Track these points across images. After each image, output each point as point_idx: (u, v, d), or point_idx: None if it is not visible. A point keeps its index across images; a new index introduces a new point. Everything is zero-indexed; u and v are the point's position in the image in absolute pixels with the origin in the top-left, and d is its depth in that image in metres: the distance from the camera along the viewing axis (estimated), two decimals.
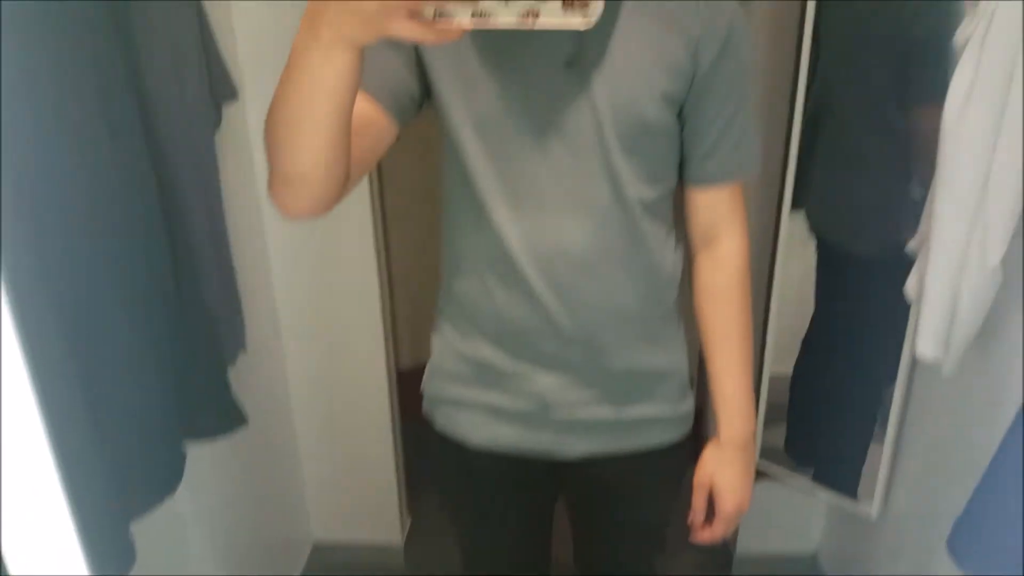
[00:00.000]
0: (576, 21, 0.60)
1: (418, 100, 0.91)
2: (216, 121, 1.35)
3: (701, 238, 1.01)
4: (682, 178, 0.99)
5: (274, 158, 0.76)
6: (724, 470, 1.03)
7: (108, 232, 1.04)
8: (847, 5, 1.44)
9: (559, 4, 0.59)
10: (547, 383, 0.98)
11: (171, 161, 1.20)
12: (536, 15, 0.59)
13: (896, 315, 1.34)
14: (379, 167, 1.62)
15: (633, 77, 0.87)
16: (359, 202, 1.64)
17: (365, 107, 0.84)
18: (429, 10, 0.60)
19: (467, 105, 0.89)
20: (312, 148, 0.73)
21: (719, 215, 0.99)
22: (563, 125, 0.88)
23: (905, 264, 1.24)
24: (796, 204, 1.51)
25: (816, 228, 1.51)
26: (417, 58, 0.89)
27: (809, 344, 1.55)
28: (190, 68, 1.27)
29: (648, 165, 0.92)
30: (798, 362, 1.58)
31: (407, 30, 0.61)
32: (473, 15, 0.60)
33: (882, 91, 1.41)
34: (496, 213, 0.92)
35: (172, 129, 1.21)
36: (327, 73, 0.67)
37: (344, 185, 0.79)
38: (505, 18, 0.60)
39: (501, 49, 0.87)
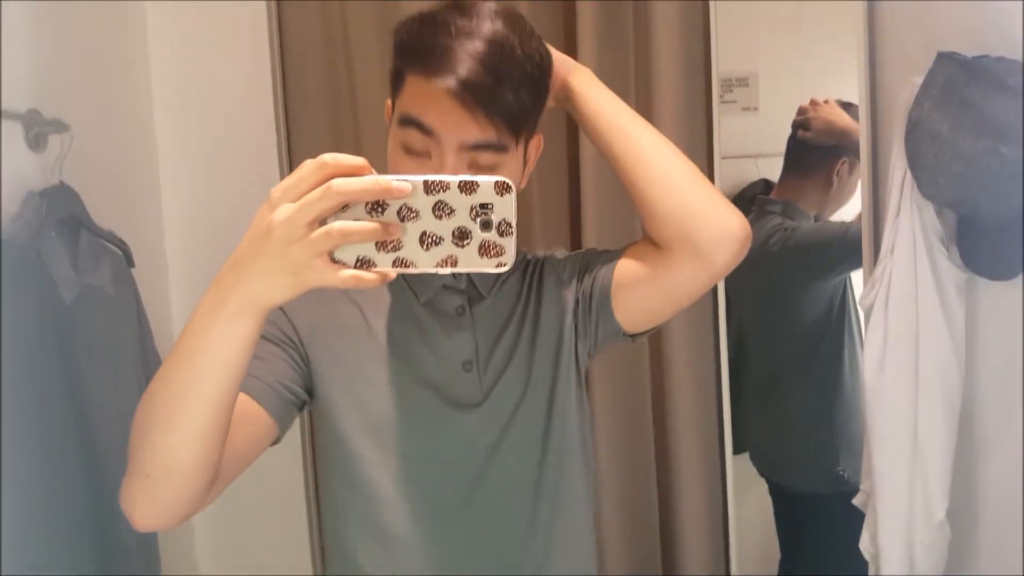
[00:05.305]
0: (492, 265, 0.63)
1: (301, 404, 0.89)
2: None
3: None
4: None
5: (139, 450, 0.69)
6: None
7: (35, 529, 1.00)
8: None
9: (475, 251, 0.62)
10: None
11: (100, 452, 1.16)
12: (454, 262, 0.62)
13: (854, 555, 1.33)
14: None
15: (525, 374, 0.91)
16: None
17: (246, 406, 0.81)
18: (351, 257, 0.61)
19: (360, 408, 0.88)
20: (188, 434, 0.67)
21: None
22: (464, 431, 0.89)
23: (847, 498, 1.25)
24: (740, 449, 1.55)
25: (760, 469, 1.54)
26: (304, 362, 0.89)
27: None
28: (125, 362, 1.27)
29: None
30: None
31: (329, 277, 0.59)
32: (395, 263, 0.62)
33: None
34: (398, 532, 0.88)
35: (104, 420, 1.18)
36: (223, 346, 0.64)
37: (210, 489, 0.73)
38: (425, 265, 0.62)
39: (401, 353, 0.89)
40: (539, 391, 0.91)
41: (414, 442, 0.88)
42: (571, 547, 0.94)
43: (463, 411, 0.89)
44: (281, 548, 1.59)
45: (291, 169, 1.48)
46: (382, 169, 0.62)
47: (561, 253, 1.00)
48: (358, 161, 0.59)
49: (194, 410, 0.66)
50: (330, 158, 0.58)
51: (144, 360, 1.32)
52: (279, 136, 1.48)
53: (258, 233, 0.59)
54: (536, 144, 0.91)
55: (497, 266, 0.63)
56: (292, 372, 0.87)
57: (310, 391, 0.89)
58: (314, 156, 1.60)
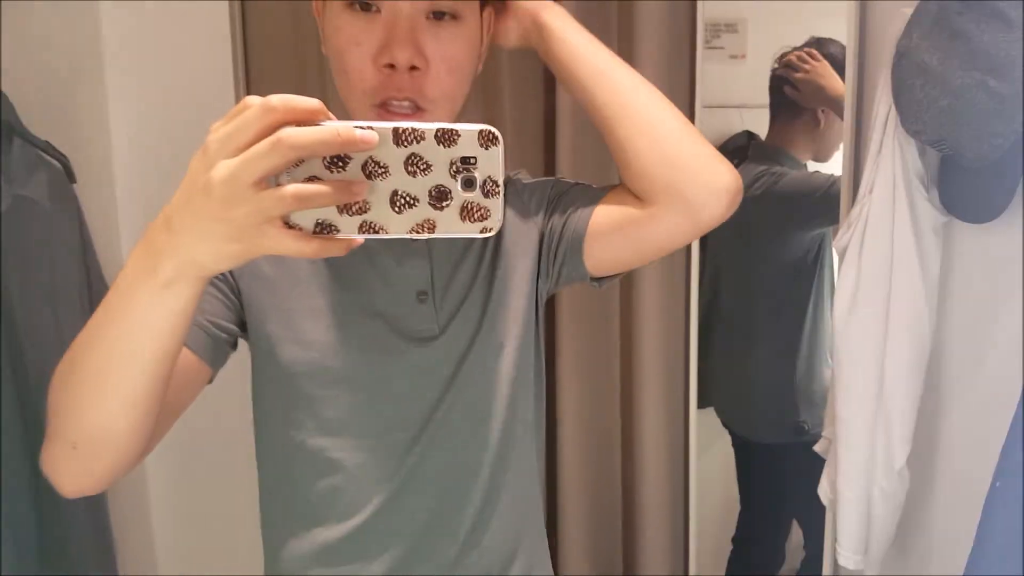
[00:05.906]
0: (475, 231, 0.55)
1: (234, 341, 0.82)
2: None
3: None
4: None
5: (63, 416, 0.62)
6: None
7: None
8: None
9: (456, 214, 0.54)
10: None
11: (35, 391, 1.10)
12: (432, 226, 0.54)
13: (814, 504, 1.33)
14: None
15: (482, 306, 0.85)
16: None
17: None
18: (309, 222, 0.52)
19: (300, 341, 0.81)
20: (121, 404, 0.60)
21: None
22: (419, 365, 0.83)
23: (806, 448, 1.24)
24: (705, 403, 1.54)
25: (724, 421, 1.53)
26: (235, 294, 0.81)
27: (738, 541, 1.53)
28: (65, 284, 1.20)
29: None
30: (730, 563, 1.54)
31: (283, 244, 0.52)
32: (361, 228, 0.54)
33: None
34: (346, 469, 0.82)
35: (43, 357, 1.12)
36: (158, 316, 0.56)
37: (143, 451, 0.66)
38: (397, 230, 0.54)
39: (346, 281, 0.82)
40: (496, 325, 0.86)
41: (363, 376, 0.82)
42: (519, 479, 0.90)
43: (417, 344, 0.83)
44: (243, 548, 1.53)
45: (248, 81, 1.39)
46: (343, 115, 0.54)
47: (526, 177, 0.93)
48: (312, 104, 0.50)
49: (127, 379, 0.59)
50: (278, 101, 0.49)
51: (87, 284, 1.25)
52: (234, 41, 1.37)
53: (195, 190, 0.51)
54: (489, 16, 0.83)
55: (482, 231, 0.55)
56: (222, 307, 0.79)
57: (242, 325, 0.82)
58: (273, 61, 1.46)
